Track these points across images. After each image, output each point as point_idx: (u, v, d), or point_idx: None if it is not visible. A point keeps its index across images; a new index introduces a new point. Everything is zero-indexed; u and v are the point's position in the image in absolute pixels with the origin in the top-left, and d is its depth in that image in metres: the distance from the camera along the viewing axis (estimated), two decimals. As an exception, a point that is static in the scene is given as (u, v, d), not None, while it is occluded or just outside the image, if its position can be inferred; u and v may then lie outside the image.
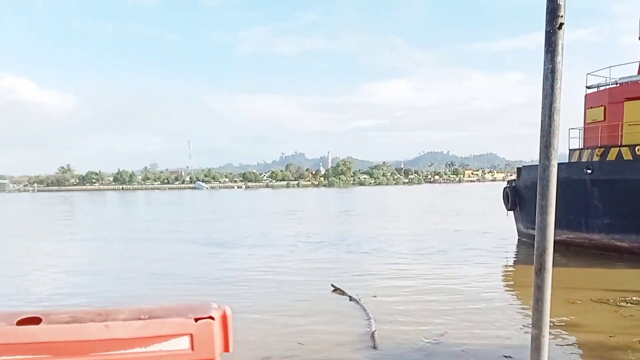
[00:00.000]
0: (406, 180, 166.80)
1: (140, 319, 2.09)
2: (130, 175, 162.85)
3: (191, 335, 2.07)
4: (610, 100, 19.37)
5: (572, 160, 21.06)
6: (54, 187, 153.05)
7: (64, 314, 2.09)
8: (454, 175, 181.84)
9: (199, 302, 2.26)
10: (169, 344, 2.03)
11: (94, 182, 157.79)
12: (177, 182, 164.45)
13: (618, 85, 19.66)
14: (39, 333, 1.95)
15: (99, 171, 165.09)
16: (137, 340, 2.06)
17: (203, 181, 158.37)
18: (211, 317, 2.10)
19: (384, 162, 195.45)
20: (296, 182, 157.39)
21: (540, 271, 3.15)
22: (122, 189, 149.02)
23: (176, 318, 2.07)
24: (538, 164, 3.14)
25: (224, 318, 2.15)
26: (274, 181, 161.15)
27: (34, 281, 15.01)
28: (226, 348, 2.10)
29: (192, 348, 2.03)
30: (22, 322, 2.01)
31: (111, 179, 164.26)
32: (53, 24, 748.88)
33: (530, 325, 3.35)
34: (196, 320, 2.08)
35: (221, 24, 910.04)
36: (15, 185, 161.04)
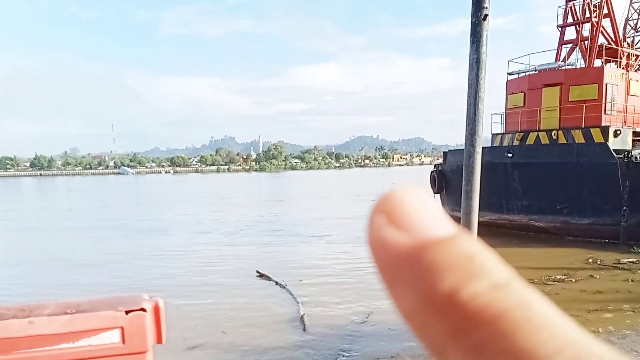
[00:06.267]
0: (337, 165, 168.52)
1: (67, 313, 2.00)
2: (49, 161, 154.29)
3: (122, 329, 2.00)
4: (530, 86, 20.34)
5: (495, 145, 22.02)
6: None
7: (-18, 311, 1.97)
8: (384, 159, 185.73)
9: (130, 294, 2.20)
10: (98, 338, 1.96)
11: (9, 168, 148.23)
12: (101, 168, 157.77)
13: (537, 72, 20.63)
14: (-46, 332, 1.83)
15: (14, 156, 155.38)
16: (64, 335, 1.97)
17: (128, 166, 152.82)
18: (143, 309, 2.04)
19: (315, 147, 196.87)
20: (227, 167, 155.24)
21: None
22: (40, 175, 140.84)
23: (105, 311, 1.99)
24: (463, 149, 3.26)
25: (156, 309, 2.09)
26: (204, 166, 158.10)
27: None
28: (159, 340, 2.06)
29: (123, 341, 1.97)
30: None
31: (28, 164, 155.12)
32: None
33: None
34: (127, 312, 2.02)
35: (143, 1, 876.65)
36: None
